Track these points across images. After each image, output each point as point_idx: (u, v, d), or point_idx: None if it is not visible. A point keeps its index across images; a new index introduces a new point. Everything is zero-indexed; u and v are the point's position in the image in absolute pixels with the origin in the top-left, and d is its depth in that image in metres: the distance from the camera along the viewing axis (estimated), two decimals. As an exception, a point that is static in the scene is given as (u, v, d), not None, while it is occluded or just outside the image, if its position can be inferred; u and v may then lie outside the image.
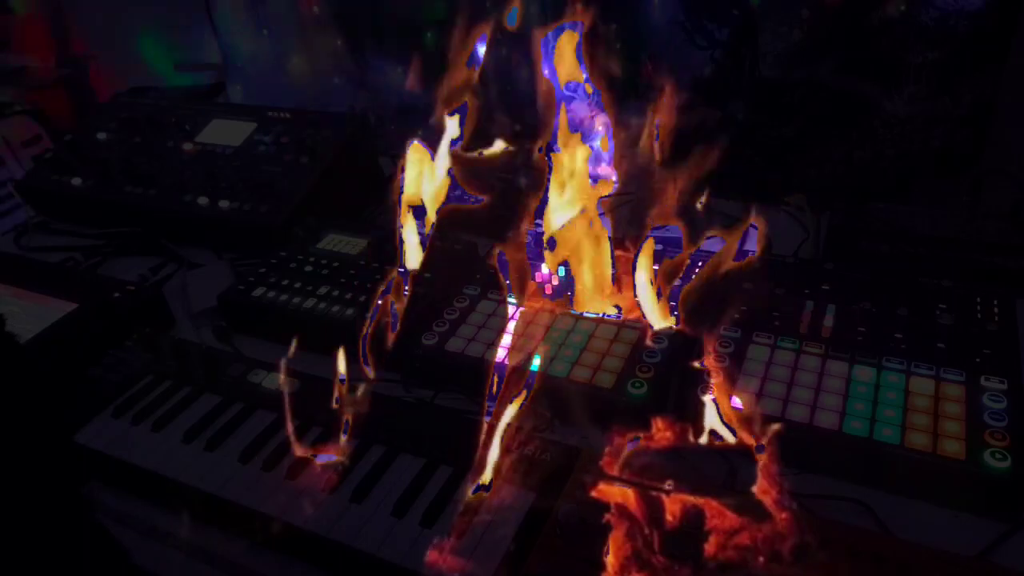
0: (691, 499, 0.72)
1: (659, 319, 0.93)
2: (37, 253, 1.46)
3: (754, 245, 0.97)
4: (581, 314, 1.05)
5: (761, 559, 0.67)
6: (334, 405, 0.87)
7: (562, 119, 0.89)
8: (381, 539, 0.78)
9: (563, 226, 0.93)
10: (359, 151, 1.50)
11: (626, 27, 1.44)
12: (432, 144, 0.88)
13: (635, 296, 0.90)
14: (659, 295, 0.90)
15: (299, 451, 0.87)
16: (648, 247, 0.88)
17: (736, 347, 0.97)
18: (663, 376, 0.94)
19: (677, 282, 0.93)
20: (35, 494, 0.64)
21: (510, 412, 0.77)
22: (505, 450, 0.78)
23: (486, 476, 0.77)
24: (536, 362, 0.97)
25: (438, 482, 0.83)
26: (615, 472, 0.76)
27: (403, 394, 1.01)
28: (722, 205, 1.37)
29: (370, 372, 0.89)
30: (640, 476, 0.74)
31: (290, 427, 0.87)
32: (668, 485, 0.73)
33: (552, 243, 0.94)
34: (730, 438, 0.74)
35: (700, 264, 1.15)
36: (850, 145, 1.31)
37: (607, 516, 0.71)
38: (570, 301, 1.07)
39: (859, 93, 1.28)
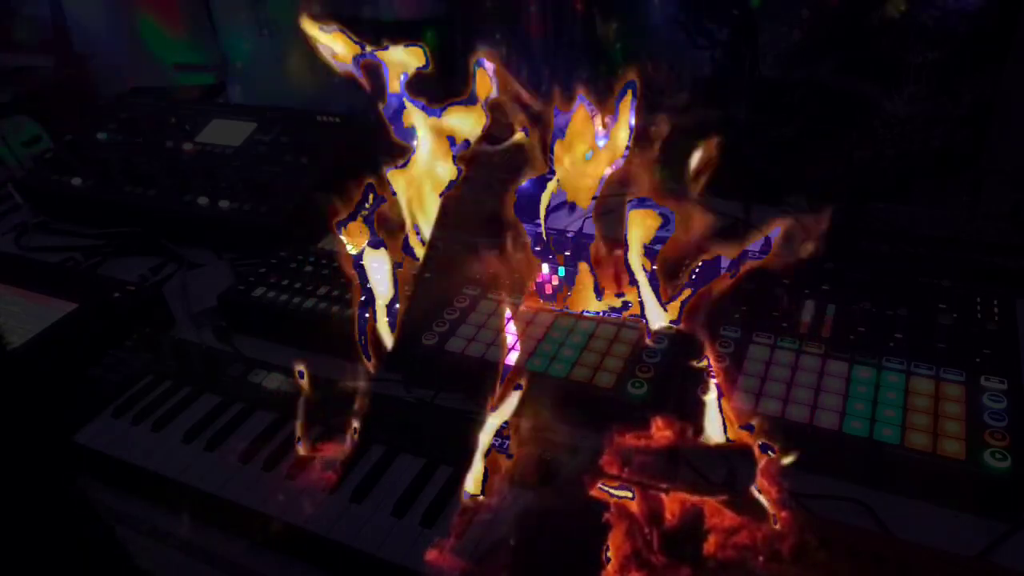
0: (691, 498, 0.72)
1: (659, 314, 0.93)
2: (37, 253, 1.46)
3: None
4: (581, 313, 1.05)
5: (760, 558, 0.67)
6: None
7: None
8: (381, 539, 0.78)
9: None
10: (359, 151, 1.50)
11: (626, 27, 1.44)
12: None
13: (630, 287, 0.90)
14: (657, 289, 0.90)
15: (303, 450, 0.87)
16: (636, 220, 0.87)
17: (736, 347, 0.97)
18: (663, 376, 0.94)
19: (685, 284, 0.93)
20: (31, 495, 0.64)
21: (501, 414, 0.76)
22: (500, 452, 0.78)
23: (474, 485, 0.77)
24: (536, 362, 0.97)
25: (438, 482, 0.83)
26: (615, 472, 0.76)
27: (403, 394, 1.01)
28: (722, 205, 1.37)
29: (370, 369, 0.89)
30: (640, 476, 0.74)
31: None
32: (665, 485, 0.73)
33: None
34: (729, 438, 0.74)
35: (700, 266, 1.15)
36: (850, 145, 1.31)
37: (607, 516, 0.71)
38: (564, 301, 1.07)
39: (859, 93, 1.28)
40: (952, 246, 1.13)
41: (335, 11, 1.71)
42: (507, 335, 1.00)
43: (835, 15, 1.25)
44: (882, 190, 1.30)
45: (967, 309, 0.99)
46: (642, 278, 0.92)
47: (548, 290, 1.11)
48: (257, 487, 0.85)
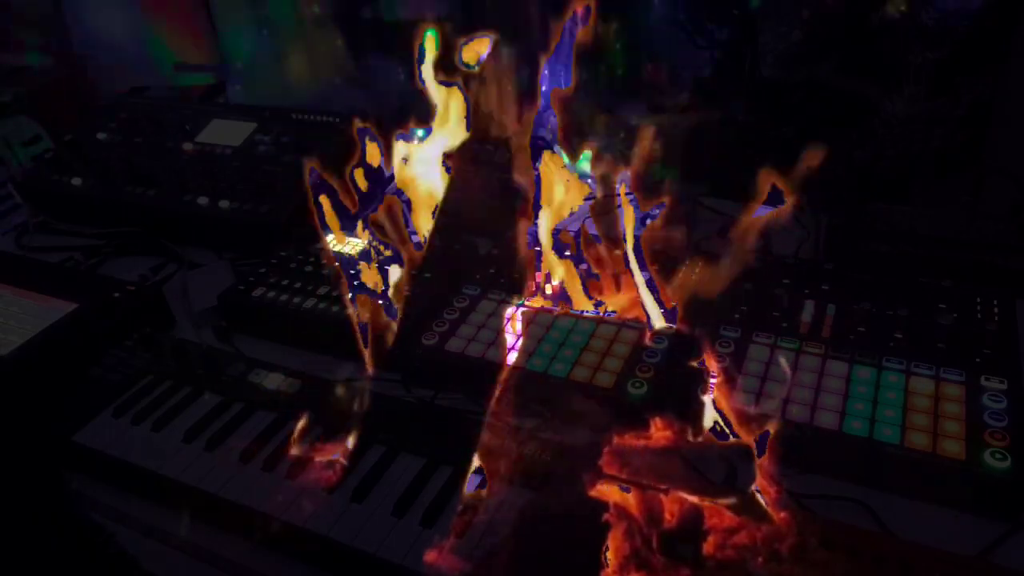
0: (690, 498, 0.72)
1: (659, 317, 0.93)
2: (37, 253, 1.46)
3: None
4: (581, 313, 1.05)
5: (760, 559, 0.67)
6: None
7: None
8: (381, 539, 0.78)
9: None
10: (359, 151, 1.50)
11: (626, 27, 1.44)
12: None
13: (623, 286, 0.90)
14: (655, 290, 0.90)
15: (298, 450, 0.87)
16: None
17: (736, 347, 0.97)
18: (663, 376, 0.94)
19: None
20: (23, 493, 0.64)
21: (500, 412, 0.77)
22: (499, 450, 0.78)
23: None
24: (536, 362, 0.97)
25: (438, 482, 0.83)
26: (615, 472, 0.76)
27: (403, 394, 1.01)
28: (722, 205, 1.37)
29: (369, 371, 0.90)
30: (640, 476, 0.74)
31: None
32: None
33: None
34: (729, 437, 0.74)
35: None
36: (850, 145, 1.31)
37: (607, 516, 0.71)
38: (568, 300, 1.07)
39: (859, 93, 1.28)
40: (952, 246, 1.13)
41: (335, 11, 1.72)
42: (507, 335, 1.01)
43: (835, 15, 1.25)
44: (882, 190, 1.30)
45: (967, 309, 0.99)
46: (640, 278, 0.92)
47: (548, 290, 1.11)
48: (257, 487, 0.85)
